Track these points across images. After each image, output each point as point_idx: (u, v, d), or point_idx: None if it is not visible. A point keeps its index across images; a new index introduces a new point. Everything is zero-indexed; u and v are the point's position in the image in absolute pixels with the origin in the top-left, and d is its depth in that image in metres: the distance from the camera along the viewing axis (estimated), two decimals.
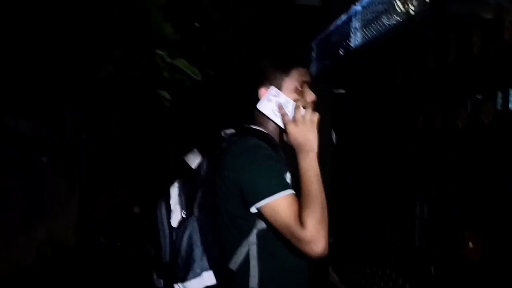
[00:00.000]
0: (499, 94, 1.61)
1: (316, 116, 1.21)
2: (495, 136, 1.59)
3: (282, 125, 1.24)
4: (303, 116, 1.20)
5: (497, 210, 1.54)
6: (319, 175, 1.18)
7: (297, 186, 1.20)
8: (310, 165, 1.18)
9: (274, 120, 1.25)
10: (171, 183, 1.36)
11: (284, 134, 1.25)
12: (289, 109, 1.23)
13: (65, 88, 3.02)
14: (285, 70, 1.29)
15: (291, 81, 1.29)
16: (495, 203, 1.55)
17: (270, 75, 1.28)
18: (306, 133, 1.19)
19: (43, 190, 3.73)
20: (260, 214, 1.16)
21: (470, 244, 1.63)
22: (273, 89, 1.25)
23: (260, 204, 1.13)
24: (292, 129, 1.20)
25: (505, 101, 1.57)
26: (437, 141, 1.98)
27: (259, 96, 1.27)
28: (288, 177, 1.23)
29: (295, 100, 1.24)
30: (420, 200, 2.08)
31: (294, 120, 1.21)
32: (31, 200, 3.56)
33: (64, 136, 3.73)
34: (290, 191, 1.15)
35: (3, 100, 2.89)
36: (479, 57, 1.76)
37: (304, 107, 1.22)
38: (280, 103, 1.24)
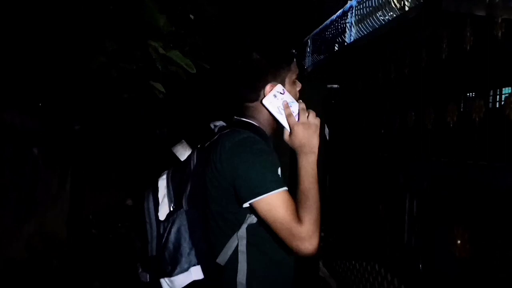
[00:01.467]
0: (491, 93, 1.62)
1: (318, 120, 1.24)
2: (486, 134, 1.59)
3: (285, 124, 1.24)
4: (308, 119, 1.22)
5: (487, 207, 1.55)
6: (317, 177, 1.20)
7: (289, 181, 1.20)
8: (310, 167, 1.20)
9: (278, 118, 1.26)
10: (159, 175, 1.33)
11: (285, 134, 1.25)
12: (294, 109, 1.24)
13: (57, 80, 2.99)
14: (288, 65, 1.31)
15: (291, 75, 1.32)
16: (485, 200, 1.56)
17: (275, 72, 1.29)
18: (310, 136, 1.21)
19: (34, 183, 3.70)
20: (252, 209, 1.16)
21: (459, 241, 1.64)
22: (279, 87, 1.26)
23: (255, 200, 1.13)
24: (298, 131, 1.21)
25: (496, 99, 1.58)
26: (428, 138, 1.99)
27: (264, 93, 1.27)
28: (279, 171, 1.23)
29: (299, 102, 1.26)
30: (410, 196, 2.09)
31: (300, 121, 1.22)
32: (22, 193, 3.53)
33: (56, 129, 3.70)
34: (285, 188, 1.15)
35: None
36: (471, 54, 1.76)
37: (307, 110, 1.24)
38: (286, 102, 1.24)
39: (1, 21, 2.42)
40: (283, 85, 1.28)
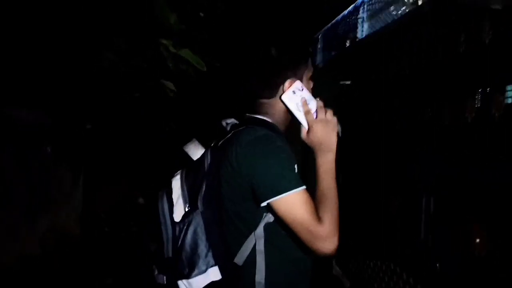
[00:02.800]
0: (510, 87, 1.58)
1: (336, 119, 1.23)
2: (505, 129, 1.56)
3: (304, 121, 1.23)
4: (326, 116, 1.21)
5: (505, 205, 1.52)
6: (335, 175, 1.19)
7: (306, 179, 1.19)
8: (329, 165, 1.20)
9: (296, 115, 1.25)
10: (172, 175, 1.31)
11: (303, 131, 1.24)
12: (312, 107, 1.23)
13: (68, 78, 3.01)
14: (306, 62, 1.30)
15: (308, 71, 1.32)
16: (503, 198, 1.53)
17: (295, 68, 1.28)
18: (329, 134, 1.20)
19: (47, 180, 3.73)
20: (269, 208, 1.15)
21: (477, 240, 1.61)
22: (298, 83, 1.25)
23: (275, 199, 1.11)
24: (317, 128, 1.20)
25: None
26: (445, 134, 1.96)
27: (284, 89, 1.25)
28: (296, 169, 1.21)
29: (317, 99, 1.25)
30: (426, 193, 2.06)
31: (319, 119, 1.21)
32: (35, 191, 3.56)
33: (68, 126, 3.73)
34: (304, 186, 1.14)
35: (6, 90, 2.88)
36: (488, 49, 1.72)
37: (324, 108, 1.22)
38: (305, 99, 1.23)
39: (15, 20, 2.44)
40: (301, 81, 1.27)
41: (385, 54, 2.77)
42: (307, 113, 1.21)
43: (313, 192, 1.17)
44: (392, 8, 2.94)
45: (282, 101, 1.24)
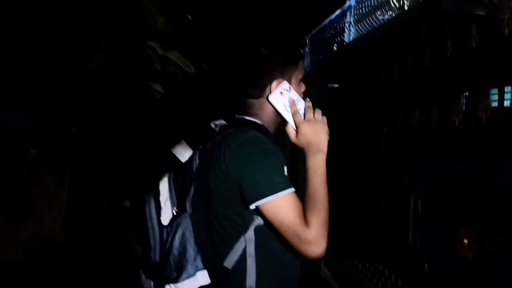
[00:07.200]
0: (495, 91, 1.60)
1: (325, 118, 1.21)
2: (491, 133, 1.58)
3: (291, 122, 1.22)
4: (314, 116, 1.20)
5: (492, 208, 1.53)
6: (326, 177, 1.17)
7: (296, 181, 1.18)
8: (319, 166, 1.17)
9: (284, 116, 1.23)
10: (159, 178, 1.27)
11: (291, 133, 1.22)
12: (300, 107, 1.22)
13: (54, 79, 2.96)
14: (296, 63, 1.29)
15: (298, 74, 1.29)
16: (491, 201, 1.55)
17: (282, 69, 1.26)
18: (318, 133, 1.18)
19: (32, 184, 3.67)
20: (258, 211, 1.13)
21: (465, 241, 1.63)
22: (286, 84, 1.24)
23: (262, 201, 1.10)
24: (305, 128, 1.18)
25: (501, 98, 1.57)
26: (432, 137, 1.98)
27: (270, 89, 1.24)
28: (286, 171, 1.19)
29: (305, 100, 1.24)
30: (415, 195, 2.08)
31: (306, 119, 1.20)
32: (19, 195, 3.50)
33: (54, 129, 3.67)
34: (292, 189, 1.12)
35: None
36: (474, 53, 1.74)
37: (313, 108, 1.21)
38: (293, 99, 1.22)
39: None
40: (290, 83, 1.26)
41: (372, 58, 2.79)
42: (294, 113, 1.20)
43: (302, 194, 1.15)
44: (379, 13, 2.97)
45: (269, 102, 1.24)
